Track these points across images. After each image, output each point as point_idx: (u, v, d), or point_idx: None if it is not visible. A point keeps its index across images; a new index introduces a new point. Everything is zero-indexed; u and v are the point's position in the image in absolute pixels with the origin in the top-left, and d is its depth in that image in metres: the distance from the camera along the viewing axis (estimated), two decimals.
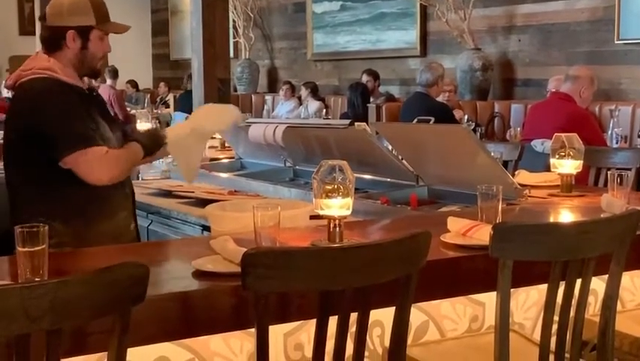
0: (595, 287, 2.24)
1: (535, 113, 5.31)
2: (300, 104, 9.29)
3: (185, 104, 8.54)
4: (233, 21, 10.23)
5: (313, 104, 8.81)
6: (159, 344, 1.83)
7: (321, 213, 2.10)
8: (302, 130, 3.89)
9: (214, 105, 3.03)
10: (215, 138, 4.94)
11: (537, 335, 2.07)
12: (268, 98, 10.33)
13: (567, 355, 1.97)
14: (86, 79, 2.82)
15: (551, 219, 2.67)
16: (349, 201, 2.08)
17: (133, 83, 12.08)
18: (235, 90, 10.37)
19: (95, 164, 2.52)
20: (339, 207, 2.07)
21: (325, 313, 1.66)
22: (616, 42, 6.73)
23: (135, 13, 12.23)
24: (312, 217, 2.41)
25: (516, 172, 3.45)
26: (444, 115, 5.82)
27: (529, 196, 2.96)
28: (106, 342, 1.50)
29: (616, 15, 6.66)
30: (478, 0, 7.76)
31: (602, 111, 6.37)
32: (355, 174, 2.12)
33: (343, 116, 7.64)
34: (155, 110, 10.33)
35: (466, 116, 6.63)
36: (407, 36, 8.77)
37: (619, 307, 2.22)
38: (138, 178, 3.96)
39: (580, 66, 5.64)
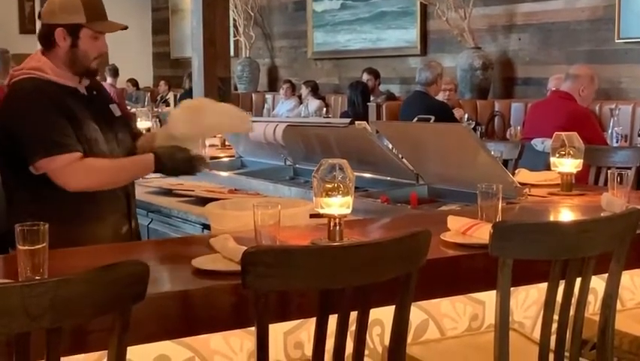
0: (595, 286, 2.24)
1: (535, 112, 5.31)
2: (301, 102, 9.28)
3: None
4: (234, 20, 10.22)
5: (313, 103, 8.81)
6: (159, 343, 1.83)
7: (321, 211, 2.10)
8: (302, 129, 3.89)
9: (232, 107, 2.89)
10: (215, 137, 4.94)
11: (537, 334, 2.06)
12: (268, 96, 10.32)
13: (567, 354, 1.97)
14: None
15: (551, 218, 2.67)
16: (349, 199, 2.07)
17: (133, 82, 12.07)
18: (235, 89, 10.36)
19: (66, 171, 2.50)
20: (339, 205, 2.07)
21: (325, 311, 1.66)
22: (616, 41, 6.73)
23: (136, 11, 12.24)
24: (312, 216, 2.41)
25: (516, 171, 3.44)
26: (443, 114, 5.82)
27: (529, 195, 2.96)
28: (106, 340, 1.50)
29: (616, 14, 6.65)
30: None
31: (602, 110, 6.36)
32: (355, 173, 2.12)
33: (343, 115, 7.64)
34: (155, 109, 10.31)
35: (466, 115, 6.63)
36: (407, 35, 8.77)
37: (619, 306, 2.22)
38: None
39: (580, 65, 5.62)
